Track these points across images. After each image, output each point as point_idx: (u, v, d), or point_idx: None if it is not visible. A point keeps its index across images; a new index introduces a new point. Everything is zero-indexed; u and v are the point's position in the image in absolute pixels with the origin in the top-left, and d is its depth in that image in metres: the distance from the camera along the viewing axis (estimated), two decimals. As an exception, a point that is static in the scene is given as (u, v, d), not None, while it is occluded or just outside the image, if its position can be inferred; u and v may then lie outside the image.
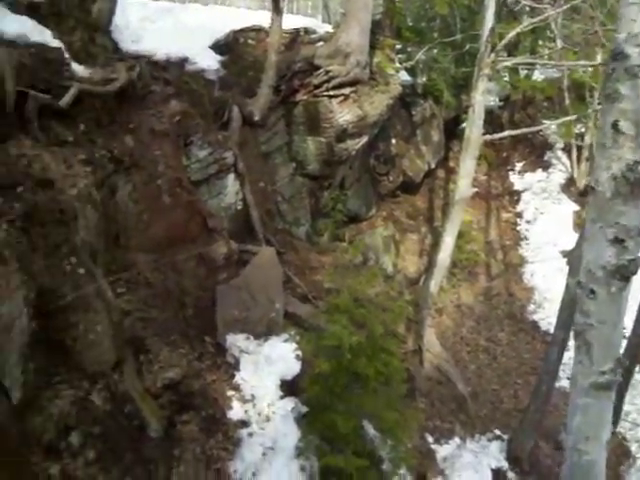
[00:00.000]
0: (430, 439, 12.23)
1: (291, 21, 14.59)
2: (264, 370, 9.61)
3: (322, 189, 14.23)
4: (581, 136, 19.05)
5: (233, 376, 9.52)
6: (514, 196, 19.62)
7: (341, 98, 13.55)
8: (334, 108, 13.46)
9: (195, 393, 8.73)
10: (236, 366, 9.62)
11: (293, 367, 9.78)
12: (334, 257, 13.25)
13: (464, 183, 13.79)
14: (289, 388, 9.62)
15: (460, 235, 14.87)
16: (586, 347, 4.13)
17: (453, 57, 17.40)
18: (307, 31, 14.98)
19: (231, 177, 11.54)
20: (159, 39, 12.09)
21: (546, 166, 20.01)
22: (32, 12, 9.89)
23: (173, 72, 11.71)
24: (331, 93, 13.47)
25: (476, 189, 15.66)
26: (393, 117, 16.11)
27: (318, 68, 13.48)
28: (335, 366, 8.77)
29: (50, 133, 8.51)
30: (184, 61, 12.28)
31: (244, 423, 9.03)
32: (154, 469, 7.76)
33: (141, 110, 10.37)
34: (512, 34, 13.23)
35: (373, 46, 14.42)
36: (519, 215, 19.17)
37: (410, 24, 19.19)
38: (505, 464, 12.32)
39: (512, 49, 18.28)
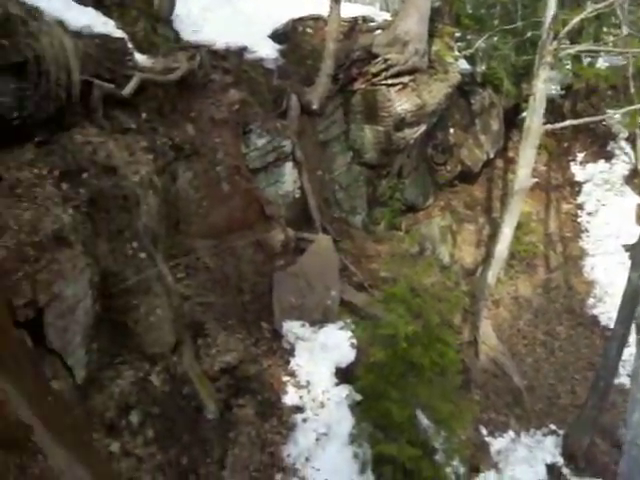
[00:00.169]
0: (484, 432, 12.14)
1: (349, 9, 14.51)
2: (319, 357, 9.69)
3: (379, 178, 14.17)
4: (646, 126, 18.40)
5: (288, 362, 9.64)
6: (575, 187, 19.11)
7: (399, 87, 13.45)
8: (392, 97, 13.37)
9: (251, 377, 8.87)
10: (291, 352, 9.74)
11: (348, 355, 9.84)
12: (390, 246, 13.23)
13: (524, 173, 13.55)
14: (344, 375, 9.69)
15: (519, 226, 14.64)
16: (649, 341, 4.04)
17: (514, 45, 16.97)
18: (365, 19, 14.89)
19: (289, 165, 11.63)
20: (219, 28, 12.19)
21: (609, 157, 19.40)
22: (97, 3, 10.14)
23: (232, 61, 11.80)
24: (389, 82, 13.41)
25: (536, 179, 15.32)
26: (451, 106, 15.89)
27: (376, 57, 13.41)
28: (390, 355, 8.77)
29: (114, 121, 8.70)
30: (243, 50, 12.35)
31: (298, 408, 9.14)
32: (210, 450, 7.94)
33: (201, 99, 10.52)
34: (575, 21, 12.91)
35: (432, 34, 14.26)
36: (580, 207, 18.69)
37: (470, 11, 18.85)
38: (560, 460, 12.15)
39: (575, 36, 17.71)
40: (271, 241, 10.45)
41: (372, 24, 14.74)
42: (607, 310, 15.47)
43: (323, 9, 13.52)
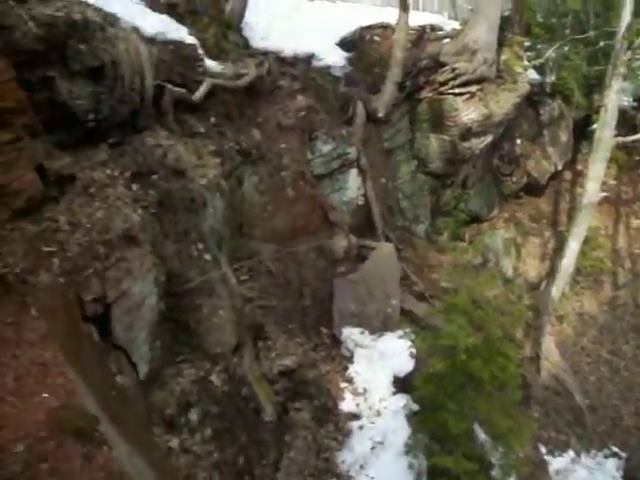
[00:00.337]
0: (543, 450, 11.84)
1: (417, 18, 14.47)
2: (377, 365, 9.66)
3: (444, 187, 14.06)
4: None
5: (347, 368, 9.65)
6: (645, 202, 18.48)
7: (467, 96, 13.32)
8: (459, 106, 13.26)
9: (309, 382, 8.90)
10: (350, 359, 9.74)
11: (407, 364, 9.77)
12: (453, 256, 13.08)
13: (592, 187, 13.22)
14: (401, 385, 9.63)
15: (586, 241, 14.28)
16: None
17: (585, 54, 16.56)
18: (433, 28, 14.81)
19: (353, 172, 11.66)
20: (287, 36, 12.34)
21: (681, 171, 18.70)
22: (170, 10, 10.44)
23: (300, 68, 11.93)
24: (456, 91, 13.30)
25: (605, 193, 14.91)
26: (519, 116, 15.63)
27: (444, 65, 13.33)
28: (450, 366, 8.66)
29: (184, 125, 8.92)
30: (311, 57, 12.47)
31: (355, 416, 9.14)
32: (266, 452, 8.01)
33: (269, 104, 10.68)
34: (651, 30, 12.53)
35: (501, 43, 14.06)
36: (650, 223, 18.05)
37: (540, 20, 18.45)
38: (621, 483, 11.76)
39: (650, 46, 17.21)
40: (333, 247, 10.49)
41: (440, 32, 14.65)
42: (677, 330, 14.89)
43: (391, 17, 13.52)
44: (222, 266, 7.99)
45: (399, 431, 9.09)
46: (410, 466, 8.83)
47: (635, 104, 19.56)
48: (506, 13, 15.54)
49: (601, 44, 15.49)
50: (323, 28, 13.58)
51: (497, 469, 9.01)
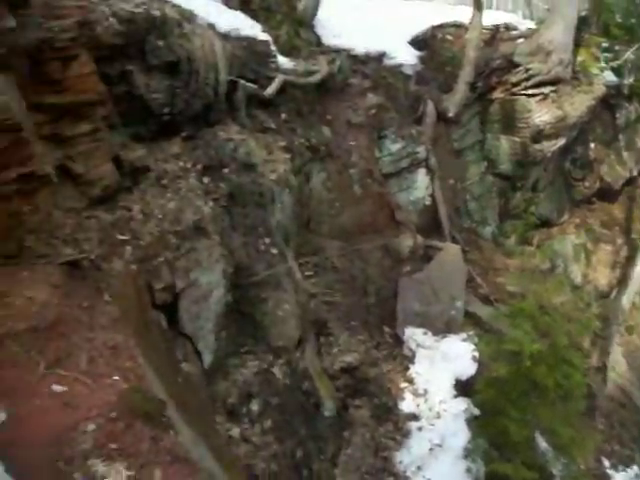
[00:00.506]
0: (606, 463, 11.43)
1: (492, 17, 14.25)
2: (439, 367, 9.58)
3: (513, 190, 13.79)
4: None
5: (408, 369, 9.60)
6: None
7: (540, 97, 13.05)
8: (532, 107, 13.00)
9: (370, 380, 8.92)
10: (412, 359, 9.69)
11: (469, 367, 9.66)
12: (520, 260, 12.81)
13: (670, 193, 12.75)
14: (463, 388, 9.52)
15: (660, 249, 13.76)
16: None
17: (666, 57, 15.95)
18: (507, 27, 14.55)
19: (422, 172, 11.59)
20: (359, 34, 12.33)
21: None
22: (244, 7, 10.59)
23: (371, 66, 11.90)
24: (529, 92, 13.05)
25: (682, 200, 14.36)
26: (594, 119, 15.16)
27: (517, 66, 13.10)
28: (513, 372, 8.53)
29: (255, 120, 9.03)
30: (382, 55, 12.42)
31: (414, 416, 9.08)
32: (324, 447, 8.06)
33: (339, 102, 10.70)
34: None
35: (577, 44, 13.71)
36: None
37: (619, 20, 17.83)
38: (688, 503, 11.27)
39: None
40: (399, 246, 10.45)
41: (514, 32, 14.40)
42: None
43: (464, 16, 13.35)
44: (288, 260, 8.09)
45: (458, 435, 8.99)
46: (468, 470, 8.73)
47: None
48: (583, 13, 15.07)
49: (683, 46, 14.90)
50: (395, 26, 13.52)
51: (557, 480, 8.82)
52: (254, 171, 8.02)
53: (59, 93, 6.10)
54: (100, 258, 5.91)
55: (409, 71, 12.69)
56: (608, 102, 15.67)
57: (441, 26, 14.20)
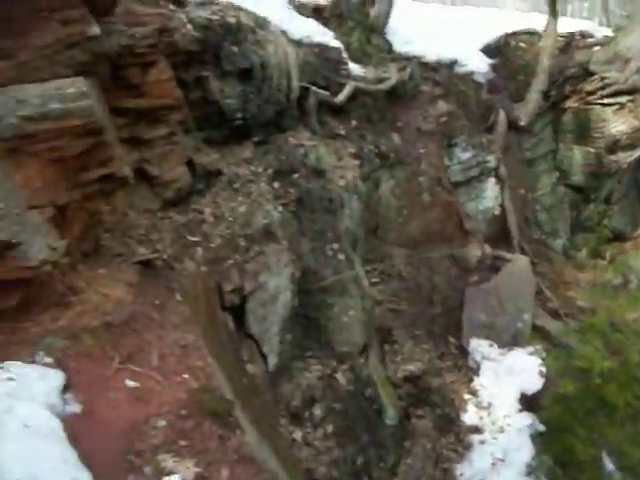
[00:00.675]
0: (677, 487, 11.01)
1: (567, 24, 13.94)
2: (504, 380, 9.40)
3: (585, 202, 13.43)
4: None
5: (472, 380, 9.47)
6: None
7: (616, 107, 12.68)
8: (607, 117, 12.65)
9: (433, 390, 8.85)
10: (476, 371, 9.55)
11: (535, 382, 9.44)
12: (592, 275, 12.44)
13: None
14: (528, 403, 9.31)
15: None
16: None
17: None
18: (583, 35, 14.18)
19: (491, 181, 11.43)
20: (430, 41, 12.25)
21: None
22: (317, 15, 10.68)
23: (442, 73, 11.81)
24: (605, 101, 12.69)
25: None
26: (674, 130, 14.66)
27: (593, 74, 12.78)
28: (582, 389, 8.34)
29: (325, 126, 9.09)
30: (454, 63, 12.30)
31: (477, 429, 8.95)
32: (385, 455, 8.04)
33: (409, 109, 10.66)
34: None
35: (657, 52, 13.25)
36: None
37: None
38: None
39: None
40: (467, 256, 10.33)
41: (590, 40, 14.02)
42: None
43: (537, 23, 13.12)
44: (355, 267, 8.11)
45: (522, 450, 8.80)
46: (531, 487, 8.55)
47: None
48: (664, 20, 14.62)
49: None
50: (467, 34, 13.38)
51: (624, 502, 8.54)
52: (323, 177, 8.09)
53: (138, 97, 6.30)
54: (172, 258, 6.07)
55: (481, 79, 12.53)
56: (688, 113, 15.12)
57: (514, 34, 13.96)
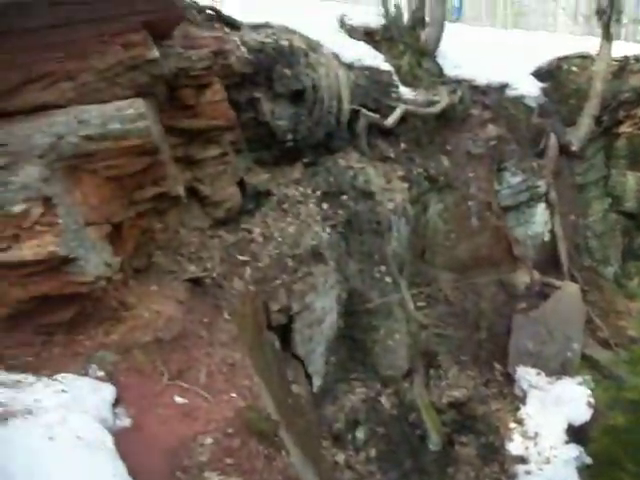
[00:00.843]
0: None
1: (620, 48, 13.72)
2: (551, 410, 9.21)
3: (638, 229, 13.14)
4: None
5: (518, 409, 9.30)
6: None
7: (671, 133, 12.43)
8: (662, 143, 12.41)
9: (477, 417, 8.73)
10: (523, 400, 9.38)
11: (583, 413, 9.21)
12: (644, 304, 12.16)
13: None
14: (575, 434, 9.09)
15: None
16: None
17: None
18: (638, 59, 13.93)
19: (541, 206, 11.28)
20: (481, 64, 12.19)
21: None
22: (368, 38, 10.76)
23: (492, 97, 11.72)
24: (660, 127, 12.44)
25: None
26: None
27: (647, 99, 12.54)
28: (631, 421, 8.17)
29: (374, 149, 9.11)
30: (504, 87, 12.21)
31: (523, 459, 8.77)
32: (427, 481, 7.93)
33: (458, 132, 10.62)
34: None
35: None
36: None
37: None
38: None
39: None
40: (515, 282, 10.19)
41: (645, 64, 13.80)
42: None
43: (591, 47, 12.96)
44: (402, 290, 8.09)
45: (568, 482, 8.60)
46: (578, 521, 8.33)
47: None
48: None
49: None
50: (518, 57, 13.29)
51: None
52: (372, 199, 8.12)
53: (192, 118, 6.44)
54: (221, 277, 6.16)
55: (532, 103, 12.40)
56: None
57: (566, 57, 13.79)
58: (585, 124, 12.13)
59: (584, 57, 13.56)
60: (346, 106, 8.50)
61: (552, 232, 11.44)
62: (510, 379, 9.52)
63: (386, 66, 9.89)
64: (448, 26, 11.98)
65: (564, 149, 11.95)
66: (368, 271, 7.80)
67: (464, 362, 9.03)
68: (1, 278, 4.52)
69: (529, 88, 12.58)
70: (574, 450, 8.85)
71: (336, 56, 8.93)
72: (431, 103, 10.23)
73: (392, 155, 9.19)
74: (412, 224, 8.84)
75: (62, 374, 4.33)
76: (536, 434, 9.01)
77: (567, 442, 8.97)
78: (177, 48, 6.01)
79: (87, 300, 4.80)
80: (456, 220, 9.96)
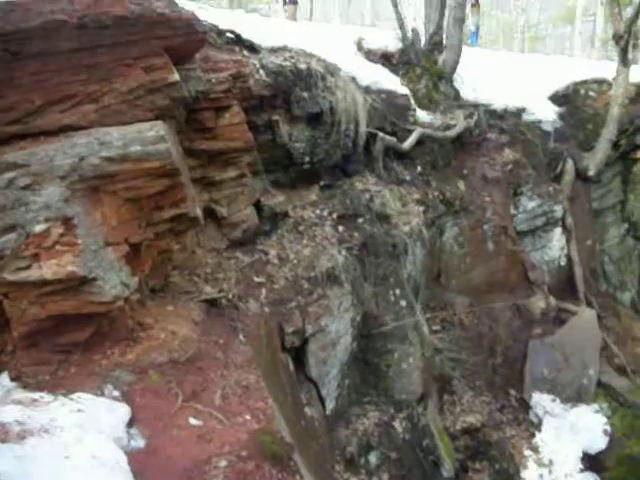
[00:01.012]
0: None
1: (637, 73, 13.73)
2: (567, 437, 9.11)
3: (655, 255, 13.07)
4: None
5: (533, 435, 9.20)
6: None
7: (688, 158, 12.39)
8: (679, 168, 12.36)
9: (492, 444, 8.64)
10: (538, 426, 9.28)
11: (599, 441, 9.12)
12: (661, 331, 12.01)
13: None
14: (591, 462, 9.00)
15: None
16: None
17: None
18: (655, 84, 13.95)
19: (557, 231, 11.24)
20: (497, 88, 12.26)
21: None
22: (385, 61, 10.86)
23: (509, 121, 11.78)
24: (677, 152, 12.40)
25: None
26: None
27: (664, 125, 12.50)
28: (649, 450, 7.99)
29: (391, 172, 9.15)
30: (521, 111, 12.26)
31: (537, 487, 8.66)
32: (441, 507, 7.84)
33: (475, 156, 10.65)
34: None
35: None
36: None
37: None
38: None
39: None
40: (531, 307, 10.12)
41: (662, 89, 13.76)
42: None
43: (608, 72, 12.98)
44: (416, 313, 8.06)
45: (583, 511, 8.49)
46: None
47: None
48: None
49: None
50: (535, 81, 13.33)
51: None
52: (388, 222, 8.14)
53: (210, 140, 6.52)
54: (237, 298, 6.18)
55: (548, 127, 12.42)
56: None
57: (583, 82, 13.80)
58: (602, 149, 12.11)
59: (601, 82, 13.58)
60: (363, 129, 8.54)
61: (568, 257, 11.39)
62: (525, 405, 9.42)
63: (403, 89, 9.97)
64: (465, 50, 12.04)
65: (581, 174, 11.94)
66: (383, 294, 7.79)
67: (479, 387, 8.96)
68: (21, 296, 4.58)
69: (546, 112, 12.62)
70: (589, 478, 8.76)
71: (353, 79, 9.01)
72: (448, 127, 10.28)
73: (408, 178, 9.22)
74: (427, 247, 8.82)
75: (78, 393, 4.36)
76: (551, 461, 8.91)
77: (582, 470, 8.88)
78: (197, 71, 6.09)
79: (104, 320, 4.84)
80: (472, 244, 9.94)
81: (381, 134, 8.96)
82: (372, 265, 7.74)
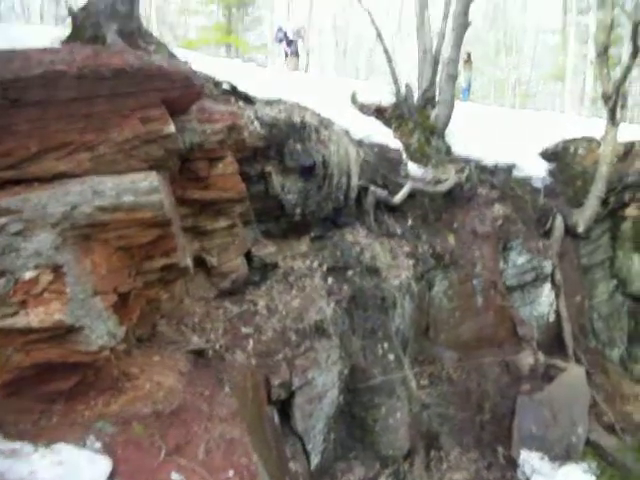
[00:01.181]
0: None
1: (626, 131, 13.99)
2: (556, 497, 8.96)
3: (644, 312, 13.09)
4: None
5: (521, 495, 9.03)
6: None
7: (678, 217, 12.52)
8: (668, 228, 12.49)
9: (480, 503, 8.47)
10: (526, 485, 9.12)
11: (588, 502, 8.97)
12: (651, 389, 11.94)
13: None
14: (580, 524, 8.83)
15: None
16: None
17: None
18: (643, 143, 14.19)
19: (547, 287, 11.28)
20: (489, 144, 12.43)
21: None
22: (378, 114, 11.04)
23: (499, 177, 11.91)
24: (665, 211, 12.56)
25: None
26: None
27: (653, 182, 12.68)
28: (639, 512, 7.85)
29: (381, 225, 9.20)
30: (511, 167, 12.42)
31: None
32: None
33: (465, 211, 10.73)
34: None
35: None
36: None
37: None
38: None
39: None
40: (519, 363, 10.07)
41: (650, 148, 14.00)
42: None
43: (597, 128, 13.23)
44: (404, 368, 8.01)
45: None
46: None
47: None
48: None
49: None
50: (526, 138, 13.56)
51: None
52: (378, 275, 8.15)
53: (203, 189, 6.56)
54: (224, 349, 6.14)
55: (538, 184, 12.57)
56: None
57: (573, 140, 14.06)
58: (591, 206, 12.25)
59: (590, 140, 13.82)
60: (355, 182, 8.61)
61: (557, 313, 11.39)
62: (513, 463, 9.25)
63: (396, 143, 10.09)
64: (458, 105, 12.25)
65: (570, 230, 12.05)
66: (371, 347, 7.75)
67: (466, 444, 8.83)
68: (6, 343, 4.53)
69: (536, 169, 12.80)
70: (578, 540, 8.59)
71: (347, 132, 9.11)
72: (439, 181, 10.38)
73: (399, 231, 9.27)
74: (416, 301, 8.83)
75: (60, 444, 4.29)
76: (539, 522, 8.75)
77: (575, 531, 8.72)
78: (193, 123, 6.18)
79: (89, 369, 4.79)
80: (461, 298, 9.96)
81: (372, 187, 9.04)
82: (360, 318, 7.73)
